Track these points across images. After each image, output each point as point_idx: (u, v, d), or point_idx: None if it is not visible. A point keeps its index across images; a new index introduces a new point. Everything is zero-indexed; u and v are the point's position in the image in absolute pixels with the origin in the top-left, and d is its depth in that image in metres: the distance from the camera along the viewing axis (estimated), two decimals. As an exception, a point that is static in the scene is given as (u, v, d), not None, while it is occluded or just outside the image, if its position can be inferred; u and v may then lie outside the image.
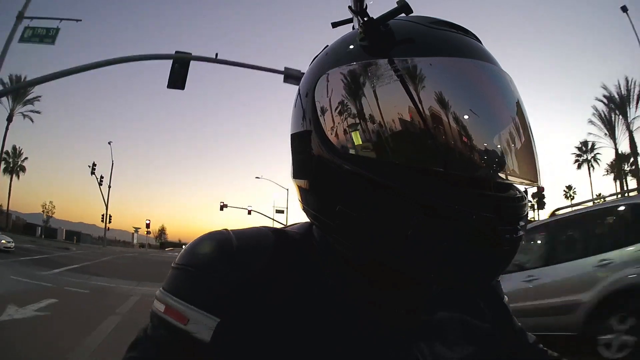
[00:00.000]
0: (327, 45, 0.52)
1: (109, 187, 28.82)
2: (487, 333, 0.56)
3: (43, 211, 44.60)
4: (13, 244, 17.87)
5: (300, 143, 0.48)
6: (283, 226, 0.52)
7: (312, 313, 0.43)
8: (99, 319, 5.96)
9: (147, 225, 43.66)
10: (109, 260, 20.50)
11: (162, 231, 78.75)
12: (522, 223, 0.42)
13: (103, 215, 33.67)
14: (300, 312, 0.43)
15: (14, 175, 36.41)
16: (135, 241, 53.61)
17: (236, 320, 0.41)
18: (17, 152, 37.08)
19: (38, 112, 32.78)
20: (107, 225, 33.26)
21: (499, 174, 0.41)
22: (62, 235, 38.43)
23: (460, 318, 0.53)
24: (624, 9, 18.08)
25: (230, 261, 0.43)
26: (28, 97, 29.63)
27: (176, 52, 10.59)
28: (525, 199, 0.44)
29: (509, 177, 0.41)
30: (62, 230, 39.88)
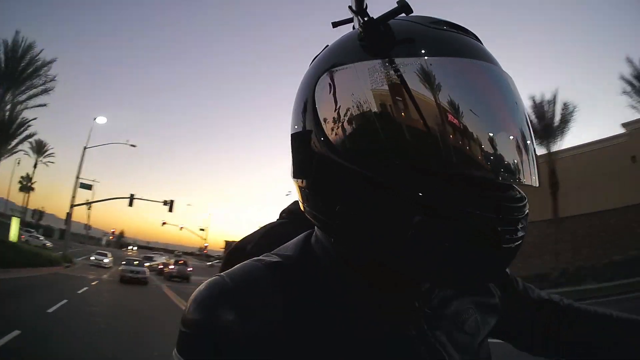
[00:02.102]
0: (327, 45, 0.52)
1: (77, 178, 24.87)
2: (497, 306, 0.58)
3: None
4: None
5: (300, 143, 0.48)
6: (276, 250, 0.51)
7: (328, 336, 0.43)
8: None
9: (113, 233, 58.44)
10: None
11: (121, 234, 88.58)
12: (522, 223, 0.42)
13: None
14: (318, 340, 0.43)
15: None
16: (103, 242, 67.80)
17: None
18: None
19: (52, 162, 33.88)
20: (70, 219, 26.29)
21: (499, 174, 0.41)
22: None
23: (471, 299, 0.55)
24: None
25: (242, 315, 0.42)
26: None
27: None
28: (526, 199, 0.44)
29: (509, 177, 0.41)
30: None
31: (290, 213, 0.81)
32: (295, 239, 0.53)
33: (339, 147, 0.43)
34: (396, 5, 0.42)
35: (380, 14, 0.43)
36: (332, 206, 0.44)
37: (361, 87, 0.42)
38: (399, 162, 0.40)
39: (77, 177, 23.96)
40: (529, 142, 0.44)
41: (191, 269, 26.42)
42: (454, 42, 0.44)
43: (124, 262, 20.92)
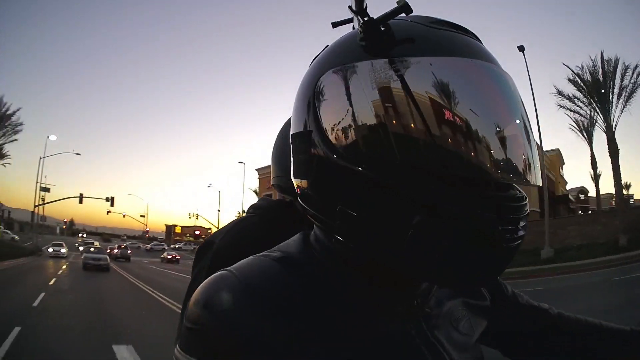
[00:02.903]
0: (327, 45, 0.52)
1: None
2: (487, 309, 0.59)
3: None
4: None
5: (300, 143, 0.48)
6: (277, 246, 0.51)
7: (335, 336, 0.43)
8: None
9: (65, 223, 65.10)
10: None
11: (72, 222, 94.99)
12: (522, 223, 0.42)
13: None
14: (323, 340, 0.42)
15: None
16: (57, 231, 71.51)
17: None
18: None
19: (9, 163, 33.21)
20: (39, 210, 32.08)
21: (500, 174, 0.41)
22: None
23: (463, 301, 0.55)
24: (521, 48, 17.55)
25: (250, 312, 0.41)
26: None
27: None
28: (526, 198, 0.44)
29: (509, 177, 0.42)
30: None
31: (257, 209, 0.83)
32: (294, 237, 0.53)
33: (340, 147, 0.43)
34: (396, 5, 0.42)
35: (380, 14, 0.43)
36: (333, 206, 0.44)
37: (361, 87, 0.43)
38: (399, 162, 0.40)
39: (38, 182, 30.32)
40: (529, 141, 0.44)
41: (130, 251, 34.04)
42: (454, 41, 0.44)
43: (85, 251, 22.30)
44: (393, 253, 0.41)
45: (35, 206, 30.80)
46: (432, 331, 0.48)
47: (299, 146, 0.49)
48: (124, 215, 43.23)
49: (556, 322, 0.65)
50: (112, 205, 30.48)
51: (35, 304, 8.34)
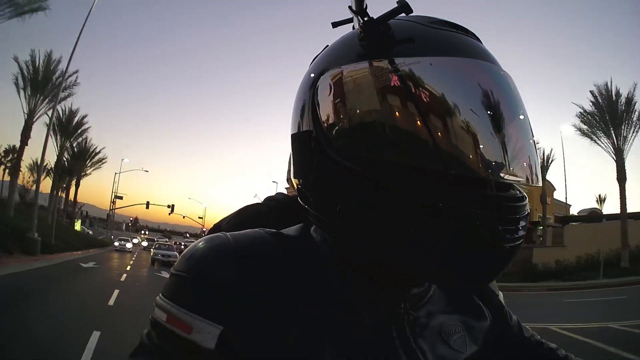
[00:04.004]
0: (327, 45, 0.51)
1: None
2: (487, 331, 0.56)
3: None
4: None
5: (300, 143, 0.48)
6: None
7: (314, 313, 0.43)
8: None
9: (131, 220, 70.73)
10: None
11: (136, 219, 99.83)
12: (522, 223, 0.42)
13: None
14: (302, 313, 0.42)
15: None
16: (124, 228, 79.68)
17: (239, 326, 0.40)
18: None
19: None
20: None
21: (500, 174, 0.40)
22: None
23: (460, 318, 0.53)
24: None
25: (230, 267, 0.41)
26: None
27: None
28: (526, 198, 0.44)
29: (510, 177, 0.41)
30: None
31: (271, 200, 0.82)
32: (296, 225, 0.52)
33: (340, 147, 0.43)
34: (396, 5, 0.42)
35: (380, 14, 0.43)
36: (333, 206, 0.43)
37: (361, 87, 0.42)
38: (399, 161, 0.40)
39: (113, 192, 39.68)
40: (529, 141, 0.43)
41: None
42: (454, 41, 0.44)
43: (156, 247, 23.48)
44: (393, 253, 0.41)
45: (110, 209, 41.71)
46: (415, 337, 0.47)
47: (298, 146, 0.48)
48: (183, 217, 47.87)
49: None
50: (171, 212, 35.95)
51: (111, 302, 7.71)
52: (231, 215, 0.80)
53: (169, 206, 36.84)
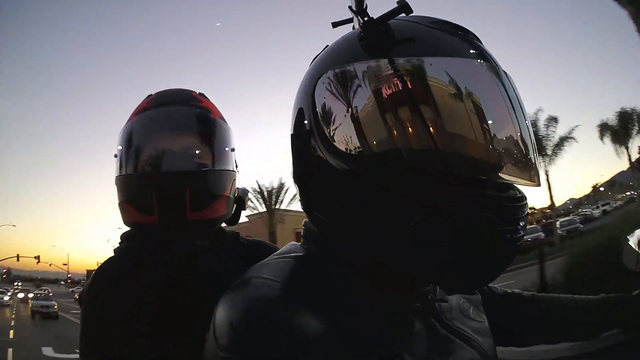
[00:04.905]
0: (327, 45, 0.52)
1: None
2: (480, 300, 0.59)
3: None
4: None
5: (300, 144, 0.48)
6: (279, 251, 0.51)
7: (347, 317, 0.41)
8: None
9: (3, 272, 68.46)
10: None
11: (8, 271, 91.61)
12: (522, 223, 0.42)
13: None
14: (349, 337, 0.40)
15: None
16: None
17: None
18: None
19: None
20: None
21: (500, 174, 0.40)
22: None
23: (461, 295, 0.55)
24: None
25: (297, 322, 0.37)
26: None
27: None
28: (526, 199, 0.44)
29: (509, 177, 0.41)
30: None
31: (126, 238, 0.82)
32: (286, 245, 0.52)
33: (339, 148, 0.43)
34: (396, 5, 0.42)
35: (380, 14, 0.43)
36: (333, 207, 0.44)
37: (361, 88, 0.42)
38: (399, 162, 0.40)
39: None
40: (529, 141, 0.43)
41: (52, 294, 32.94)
42: (454, 42, 0.44)
43: (33, 298, 23.42)
44: (393, 253, 0.41)
45: None
46: (451, 322, 0.49)
47: (298, 147, 0.48)
48: (50, 265, 53.12)
49: (533, 303, 0.69)
50: (38, 262, 40.23)
51: None
52: (95, 277, 0.76)
53: (35, 257, 40.66)
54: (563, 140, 17.54)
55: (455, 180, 0.39)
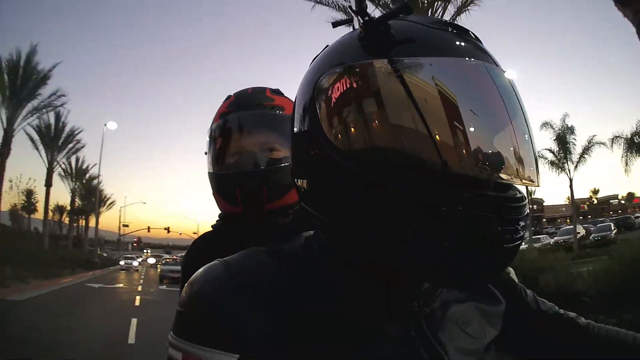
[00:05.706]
0: (327, 45, 0.52)
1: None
2: (504, 314, 0.57)
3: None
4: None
5: (300, 143, 0.48)
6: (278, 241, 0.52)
7: (327, 324, 0.43)
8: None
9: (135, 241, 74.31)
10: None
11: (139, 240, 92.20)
12: (522, 223, 0.42)
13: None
14: (314, 326, 0.43)
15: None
16: (129, 248, 79.12)
17: (253, 350, 0.41)
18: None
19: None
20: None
21: (499, 174, 0.40)
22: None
23: (474, 305, 0.54)
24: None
25: (231, 295, 0.42)
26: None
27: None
28: (525, 199, 0.44)
29: (509, 177, 0.41)
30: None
31: (217, 221, 0.95)
32: (296, 236, 0.53)
33: (339, 147, 0.43)
34: (396, 5, 0.42)
35: (380, 14, 0.43)
36: (333, 206, 0.44)
37: (361, 87, 0.42)
38: (398, 162, 0.40)
39: (120, 222, 46.86)
40: (529, 141, 0.43)
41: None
42: (454, 42, 0.44)
43: (163, 263, 24.84)
44: (393, 253, 0.41)
45: (119, 236, 52.66)
46: (434, 333, 0.47)
47: (298, 146, 0.49)
48: (180, 233, 55.18)
49: (584, 332, 0.60)
50: (167, 232, 45.07)
51: (132, 340, 6.07)
52: (191, 250, 0.90)
53: (165, 228, 45.47)
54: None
55: (455, 180, 0.39)
